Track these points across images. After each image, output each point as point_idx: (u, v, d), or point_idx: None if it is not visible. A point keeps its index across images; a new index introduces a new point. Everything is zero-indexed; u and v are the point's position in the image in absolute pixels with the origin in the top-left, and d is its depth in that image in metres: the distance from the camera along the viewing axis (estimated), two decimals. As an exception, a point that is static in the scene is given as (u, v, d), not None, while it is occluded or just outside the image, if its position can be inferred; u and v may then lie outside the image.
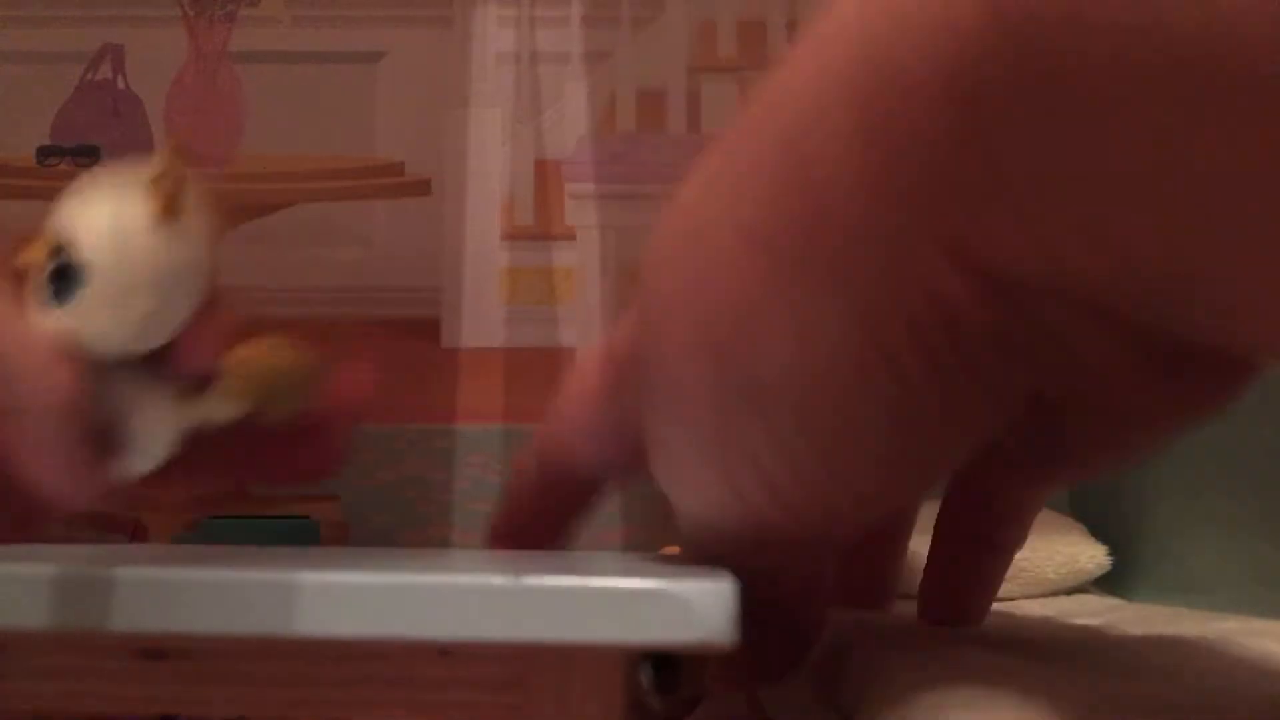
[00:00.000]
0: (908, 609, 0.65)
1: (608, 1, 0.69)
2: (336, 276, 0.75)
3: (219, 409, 0.20)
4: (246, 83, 1.04)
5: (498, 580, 0.15)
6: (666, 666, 0.18)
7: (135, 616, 0.16)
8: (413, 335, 0.71)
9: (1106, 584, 0.67)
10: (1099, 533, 0.66)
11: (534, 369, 0.72)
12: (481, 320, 0.71)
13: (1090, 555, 0.63)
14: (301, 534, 0.51)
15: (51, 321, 0.18)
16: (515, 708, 0.18)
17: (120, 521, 1.09)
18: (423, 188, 0.77)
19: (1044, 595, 0.63)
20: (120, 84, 1.06)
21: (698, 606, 0.15)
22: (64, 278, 0.19)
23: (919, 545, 0.79)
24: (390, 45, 0.86)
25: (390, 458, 0.70)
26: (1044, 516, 0.68)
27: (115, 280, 0.18)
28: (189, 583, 0.16)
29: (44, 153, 1.05)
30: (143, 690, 0.19)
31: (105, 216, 0.19)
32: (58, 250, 0.19)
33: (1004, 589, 0.62)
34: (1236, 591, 0.54)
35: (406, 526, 0.68)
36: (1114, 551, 0.63)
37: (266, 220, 1.02)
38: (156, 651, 0.19)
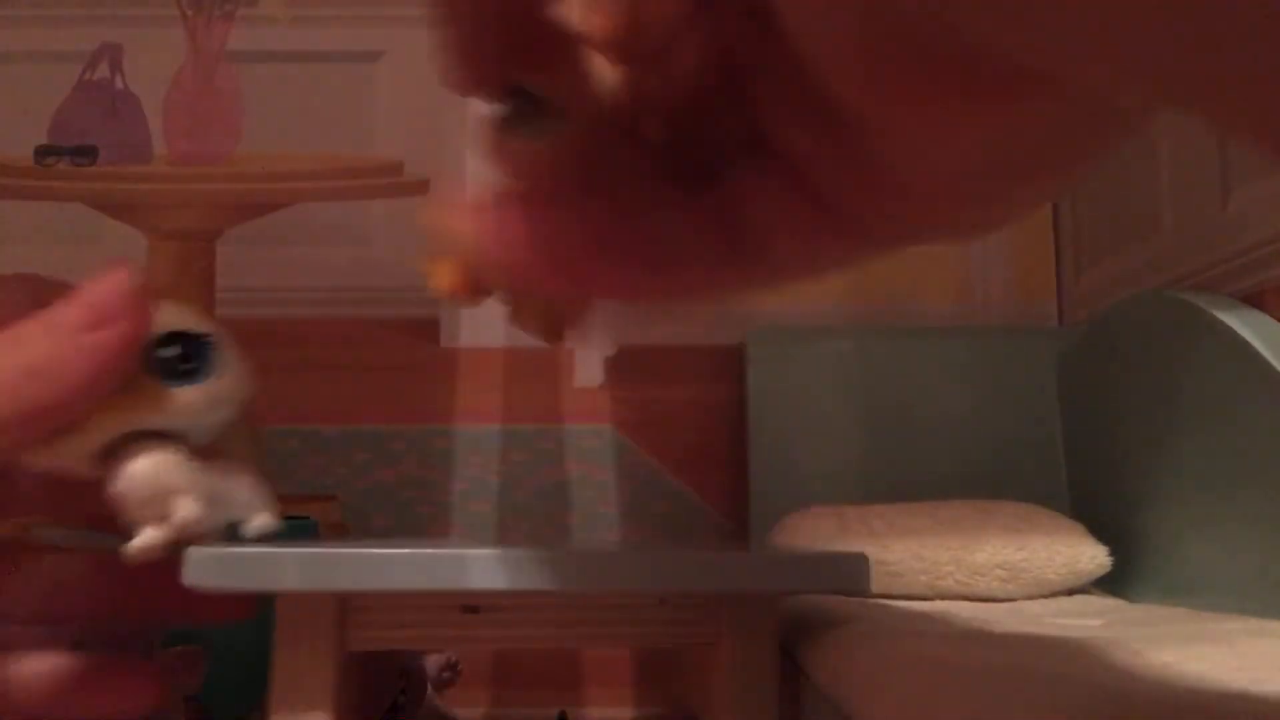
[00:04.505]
0: (905, 609, 0.64)
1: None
2: (336, 276, 0.75)
3: None
4: (245, 82, 1.03)
5: None
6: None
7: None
8: (412, 335, 0.71)
9: (1107, 584, 0.67)
10: (1099, 533, 0.66)
11: (533, 369, 0.72)
12: (481, 320, 0.71)
13: (1091, 556, 0.63)
14: (301, 534, 0.51)
15: None
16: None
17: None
18: (422, 187, 0.77)
19: (1045, 596, 0.63)
20: (119, 83, 1.06)
21: None
22: None
23: (892, 548, 0.79)
24: (390, 45, 0.86)
25: (389, 458, 0.70)
26: (1044, 517, 0.68)
27: None
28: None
29: (42, 152, 1.05)
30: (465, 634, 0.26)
31: None
32: None
33: (1005, 589, 0.62)
34: (1236, 591, 0.54)
35: (405, 526, 0.68)
36: (1114, 552, 0.63)
37: (266, 220, 1.02)
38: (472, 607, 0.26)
